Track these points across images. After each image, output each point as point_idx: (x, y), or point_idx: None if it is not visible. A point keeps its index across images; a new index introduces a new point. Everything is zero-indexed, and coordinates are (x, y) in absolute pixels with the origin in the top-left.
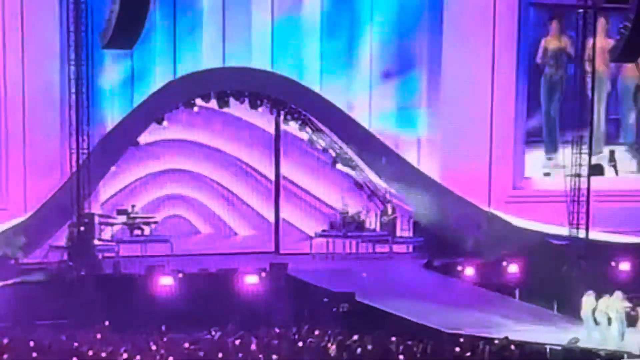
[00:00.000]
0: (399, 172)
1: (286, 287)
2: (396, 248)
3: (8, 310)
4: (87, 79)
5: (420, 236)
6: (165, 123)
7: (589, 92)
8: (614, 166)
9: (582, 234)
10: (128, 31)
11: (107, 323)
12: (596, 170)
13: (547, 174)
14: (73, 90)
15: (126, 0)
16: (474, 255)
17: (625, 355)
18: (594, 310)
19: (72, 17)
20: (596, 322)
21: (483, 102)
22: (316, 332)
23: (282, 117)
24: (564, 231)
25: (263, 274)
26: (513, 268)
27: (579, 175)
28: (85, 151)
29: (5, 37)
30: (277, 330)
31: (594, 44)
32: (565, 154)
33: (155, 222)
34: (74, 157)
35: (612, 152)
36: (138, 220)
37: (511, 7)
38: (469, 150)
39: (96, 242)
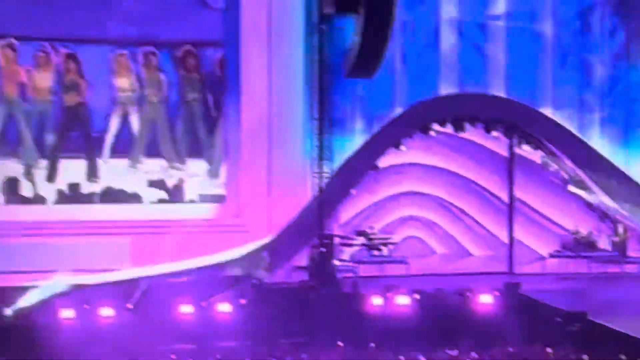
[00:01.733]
0: (630, 193)
1: (519, 307)
2: (627, 268)
3: (250, 328)
4: (330, 105)
5: None
6: (403, 147)
7: None
8: None
9: None
10: (370, 61)
11: (345, 342)
12: None
13: None
14: (316, 116)
15: (368, 30)
16: None
17: None
18: None
19: (317, 45)
20: None
21: None
22: (548, 351)
23: (515, 141)
24: None
25: (497, 294)
26: None
27: None
28: (327, 175)
29: (252, 63)
30: (510, 349)
31: None
32: None
33: (393, 243)
34: (316, 180)
35: None
36: (376, 241)
37: None
38: None
39: (336, 262)
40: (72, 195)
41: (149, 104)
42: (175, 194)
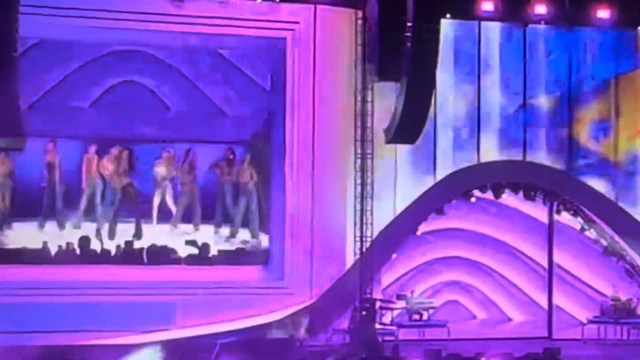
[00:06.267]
0: None
1: None
2: None
3: None
4: (372, 171)
5: None
6: (444, 213)
7: None
8: None
9: None
10: (411, 127)
11: None
12: None
13: None
14: (359, 182)
15: (409, 98)
16: None
17: None
18: None
19: (360, 112)
20: None
21: None
22: None
23: (555, 208)
24: None
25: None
26: None
27: None
28: (369, 239)
29: (300, 105)
30: None
31: None
32: None
33: (434, 307)
34: (358, 244)
35: None
36: (417, 305)
37: None
38: None
39: (377, 326)
40: (128, 249)
41: (182, 185)
42: (203, 251)
